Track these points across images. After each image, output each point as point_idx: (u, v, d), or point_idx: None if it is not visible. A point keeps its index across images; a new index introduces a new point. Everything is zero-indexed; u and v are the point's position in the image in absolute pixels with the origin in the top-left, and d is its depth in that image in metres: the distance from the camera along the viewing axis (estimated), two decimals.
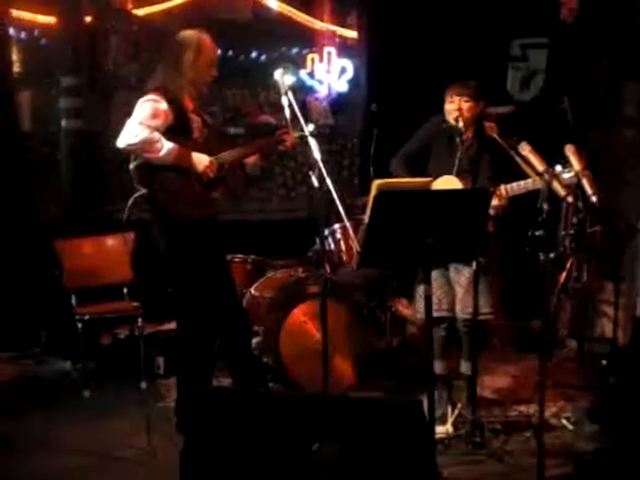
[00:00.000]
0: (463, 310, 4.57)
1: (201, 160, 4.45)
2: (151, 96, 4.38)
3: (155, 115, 4.35)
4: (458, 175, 4.52)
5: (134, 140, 4.29)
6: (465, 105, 4.59)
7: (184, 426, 4.35)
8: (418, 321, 5.15)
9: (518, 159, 4.22)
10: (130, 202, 4.41)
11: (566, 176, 4.07)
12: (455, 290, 4.61)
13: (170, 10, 6.92)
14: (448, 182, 4.51)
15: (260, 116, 7.48)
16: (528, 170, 4.26)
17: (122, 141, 4.32)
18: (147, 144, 4.31)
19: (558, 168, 4.07)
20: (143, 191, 4.38)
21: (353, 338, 5.32)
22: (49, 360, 6.16)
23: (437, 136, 4.72)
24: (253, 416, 3.07)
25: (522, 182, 4.39)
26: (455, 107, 4.59)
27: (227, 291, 4.71)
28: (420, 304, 4.65)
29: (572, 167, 4.10)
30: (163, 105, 4.36)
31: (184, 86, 4.48)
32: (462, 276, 4.58)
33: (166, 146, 4.33)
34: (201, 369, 4.66)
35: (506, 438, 4.49)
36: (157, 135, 4.32)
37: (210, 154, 4.51)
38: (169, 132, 4.38)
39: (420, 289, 4.64)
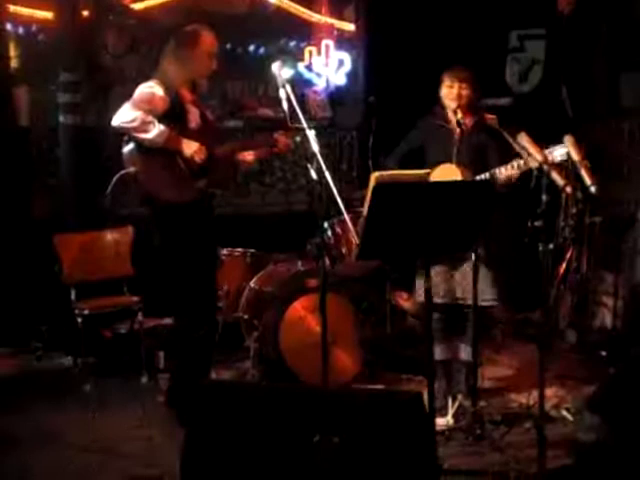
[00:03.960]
0: (467, 297, 4.58)
1: (190, 145, 4.54)
2: (150, 83, 4.55)
3: (151, 100, 4.49)
4: (457, 165, 4.54)
5: (127, 119, 4.43)
6: (464, 92, 4.60)
7: (183, 418, 4.38)
8: (417, 307, 5.18)
9: (521, 151, 4.23)
10: (115, 179, 4.50)
11: (557, 154, 4.08)
12: (455, 277, 4.61)
13: (167, 4, 6.90)
14: (447, 171, 4.52)
15: (259, 109, 7.48)
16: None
17: (116, 120, 4.46)
18: (139, 124, 4.43)
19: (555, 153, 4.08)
20: (130, 169, 4.48)
21: (352, 330, 5.33)
22: (50, 355, 6.16)
23: (430, 133, 4.74)
24: (254, 410, 3.07)
25: (502, 167, 4.42)
26: (455, 93, 4.59)
27: (206, 282, 4.75)
28: (420, 291, 4.69)
29: (570, 156, 4.10)
30: (160, 92, 4.51)
31: (182, 77, 4.61)
32: (465, 263, 4.59)
33: (157, 128, 4.45)
34: (199, 360, 4.71)
35: (506, 429, 4.48)
36: (150, 117, 4.44)
37: (208, 147, 4.58)
38: (165, 120, 4.50)
39: (420, 277, 4.67)
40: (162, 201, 4.54)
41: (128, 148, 4.55)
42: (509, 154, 4.36)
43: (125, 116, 4.42)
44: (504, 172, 4.41)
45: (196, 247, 4.64)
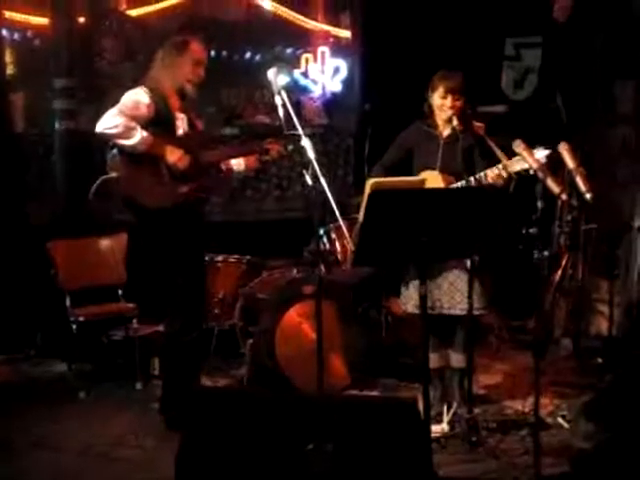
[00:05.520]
0: (454, 306, 4.58)
1: (174, 152, 4.56)
2: (136, 90, 4.59)
3: (135, 106, 4.52)
4: (442, 171, 4.54)
5: (110, 125, 4.45)
6: (458, 103, 4.60)
7: (176, 424, 4.38)
8: (402, 315, 5.17)
9: (503, 159, 4.24)
10: (98, 182, 4.52)
11: (539, 155, 4.07)
12: (443, 287, 4.60)
13: (163, 11, 6.91)
14: (429, 178, 4.51)
15: (256, 116, 7.49)
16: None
17: (100, 126, 4.49)
18: (122, 130, 4.45)
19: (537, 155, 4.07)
20: (112, 175, 4.52)
21: (347, 337, 5.32)
22: (45, 362, 6.15)
23: (418, 137, 4.74)
24: (248, 417, 3.07)
25: (482, 173, 4.42)
26: (449, 105, 4.59)
27: (192, 286, 4.74)
28: (406, 299, 4.71)
29: (565, 164, 4.10)
30: (145, 99, 4.54)
31: (171, 84, 4.65)
32: (451, 272, 4.58)
33: (140, 134, 4.47)
34: (188, 365, 4.72)
35: (502, 437, 4.48)
36: (133, 123, 4.47)
37: (193, 154, 4.62)
38: (152, 126, 4.53)
39: (409, 284, 4.66)
40: (144, 206, 4.55)
41: (112, 154, 4.57)
42: (495, 160, 4.36)
43: (108, 123, 4.45)
44: (487, 177, 4.40)
45: (180, 251, 4.65)
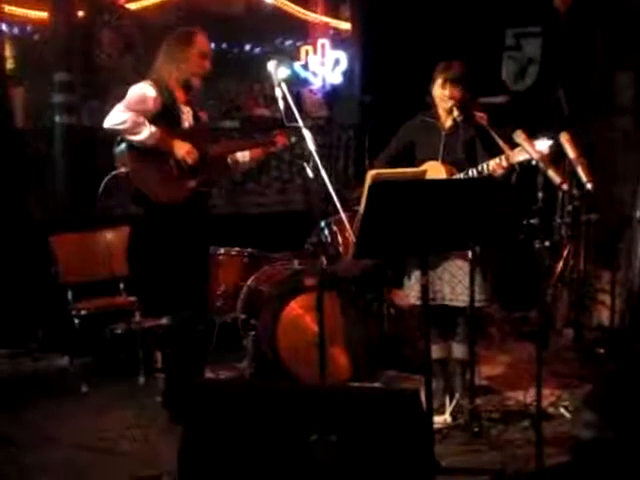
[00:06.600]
0: (455, 297, 4.58)
1: (182, 146, 4.56)
2: (141, 84, 4.58)
3: (142, 100, 4.51)
4: (444, 162, 4.55)
5: (118, 121, 4.44)
6: (457, 93, 4.61)
7: (179, 417, 4.39)
8: (404, 306, 5.18)
9: (506, 150, 4.24)
10: (105, 180, 4.52)
11: (541, 145, 4.05)
12: (444, 278, 4.61)
13: (163, 4, 6.90)
14: (432, 168, 4.51)
15: (255, 109, 7.48)
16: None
17: (108, 122, 4.48)
18: (131, 125, 4.44)
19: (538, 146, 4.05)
20: (121, 169, 4.51)
21: (349, 329, 5.32)
22: (46, 356, 6.15)
23: (420, 129, 4.74)
24: (250, 409, 3.07)
25: (485, 164, 4.41)
26: (448, 94, 4.60)
27: (198, 281, 4.75)
28: (409, 290, 4.73)
29: (566, 154, 4.10)
30: (152, 92, 4.53)
31: (176, 78, 4.64)
32: (452, 264, 4.58)
33: (149, 129, 4.46)
34: (192, 359, 4.72)
35: (504, 427, 4.49)
36: (142, 118, 4.46)
37: (200, 148, 4.61)
38: (158, 119, 4.52)
39: (411, 276, 4.67)
40: (154, 201, 4.54)
41: (120, 148, 4.56)
42: (497, 151, 4.36)
43: (116, 118, 4.44)
44: (489, 168, 4.40)
45: (187, 246, 4.64)
